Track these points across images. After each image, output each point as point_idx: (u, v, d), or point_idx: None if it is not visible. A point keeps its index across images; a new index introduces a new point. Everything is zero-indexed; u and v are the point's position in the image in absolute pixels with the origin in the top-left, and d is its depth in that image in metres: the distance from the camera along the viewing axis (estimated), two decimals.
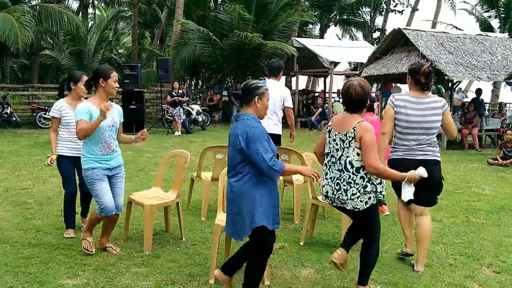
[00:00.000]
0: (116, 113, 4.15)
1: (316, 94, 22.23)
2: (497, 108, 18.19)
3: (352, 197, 3.27)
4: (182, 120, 14.20)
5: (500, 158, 10.06)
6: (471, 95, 18.10)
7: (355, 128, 3.26)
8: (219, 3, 23.03)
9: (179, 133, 13.94)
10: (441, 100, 4.00)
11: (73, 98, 4.66)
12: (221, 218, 3.93)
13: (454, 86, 15.59)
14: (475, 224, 5.50)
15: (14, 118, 15.23)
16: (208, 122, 16.90)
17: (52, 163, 4.62)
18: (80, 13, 25.85)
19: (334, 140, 3.39)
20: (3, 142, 11.42)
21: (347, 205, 3.33)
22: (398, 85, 17.59)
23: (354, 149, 3.27)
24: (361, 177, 3.27)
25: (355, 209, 3.30)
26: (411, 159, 3.87)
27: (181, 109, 14.22)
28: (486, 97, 19.29)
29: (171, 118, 14.38)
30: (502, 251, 4.59)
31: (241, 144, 3.06)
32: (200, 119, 15.40)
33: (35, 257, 4.10)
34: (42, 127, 14.88)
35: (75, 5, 26.70)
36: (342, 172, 3.31)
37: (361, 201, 3.27)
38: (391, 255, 4.38)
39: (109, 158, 4.05)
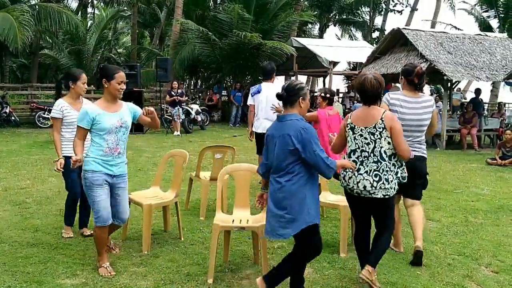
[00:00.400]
0: (126, 112, 3.81)
1: (315, 94, 22.23)
2: (496, 108, 18.21)
3: (391, 184, 3.42)
4: (181, 120, 14.21)
5: (499, 158, 10.07)
6: (470, 95, 18.11)
7: (382, 119, 3.40)
8: (218, 2, 23.00)
9: (178, 132, 13.94)
10: (431, 100, 4.25)
11: (72, 97, 4.50)
12: (219, 217, 3.93)
13: (453, 86, 15.59)
14: (473, 224, 5.50)
15: (13, 118, 15.22)
16: (207, 122, 16.91)
17: (62, 168, 4.33)
18: (79, 13, 25.84)
19: (361, 135, 3.47)
20: (2, 142, 11.41)
21: (377, 194, 3.41)
22: (398, 85, 17.62)
23: (385, 138, 3.41)
24: (393, 164, 3.45)
25: (386, 196, 3.43)
26: None
27: (180, 109, 14.22)
28: (485, 97, 19.29)
29: (170, 118, 14.38)
30: (500, 251, 4.60)
31: (295, 145, 3.10)
32: (199, 119, 15.41)
33: (34, 256, 4.09)
34: (41, 126, 14.86)
35: (74, 5, 26.73)
36: (379, 163, 3.42)
37: (391, 188, 3.43)
38: (389, 255, 4.37)
39: (113, 163, 3.72)
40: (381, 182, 3.39)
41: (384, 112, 3.42)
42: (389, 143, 3.41)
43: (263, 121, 6.41)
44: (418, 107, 4.10)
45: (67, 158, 4.27)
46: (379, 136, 3.40)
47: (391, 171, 3.42)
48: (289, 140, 3.11)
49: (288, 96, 3.22)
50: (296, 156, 3.12)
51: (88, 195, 3.73)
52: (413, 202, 4.29)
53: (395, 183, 3.44)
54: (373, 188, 3.40)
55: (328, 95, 5.72)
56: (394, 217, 3.64)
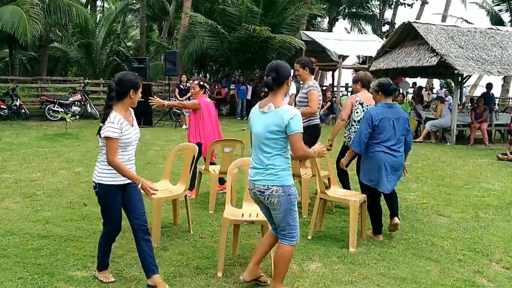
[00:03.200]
0: None
1: (324, 88, 22.13)
2: (508, 103, 17.97)
3: None
4: (189, 113, 14.21)
5: (510, 153, 9.96)
6: (480, 90, 17.90)
7: None
8: None
9: (187, 126, 13.95)
10: None
11: (125, 109, 3.39)
12: (229, 211, 3.93)
13: (464, 81, 15.43)
14: (484, 219, 5.46)
15: (23, 110, 15.34)
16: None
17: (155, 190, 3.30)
18: (89, 6, 25.89)
19: None
20: (13, 134, 11.50)
21: None
22: (407, 79, 17.48)
23: None
24: None
25: None
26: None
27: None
28: (496, 92, 19.07)
29: (179, 111, 14.39)
30: (511, 246, 4.56)
31: (408, 123, 4.55)
32: None
33: (45, 248, 4.13)
34: (51, 119, 14.97)
35: None
36: None
37: None
38: (399, 250, 4.36)
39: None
40: None
41: None
42: None
43: None
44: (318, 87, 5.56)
45: (112, 187, 3.34)
46: None
47: None
48: (406, 120, 4.53)
49: (395, 90, 4.60)
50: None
51: (291, 213, 3.20)
52: None
53: None
54: None
55: (205, 84, 6.17)
56: None
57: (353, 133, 5.28)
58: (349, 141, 5.30)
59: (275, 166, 3.16)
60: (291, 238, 3.25)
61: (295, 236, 3.26)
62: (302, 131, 3.12)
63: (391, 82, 4.59)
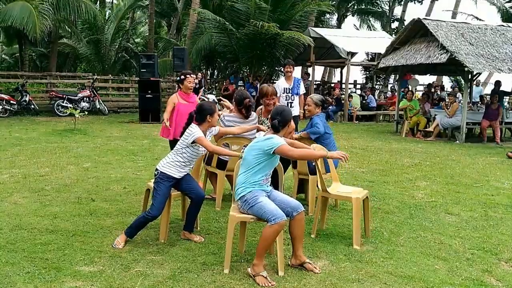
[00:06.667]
0: None
1: (332, 85, 22.05)
2: None
3: None
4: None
5: None
6: (490, 88, 17.70)
7: None
8: None
9: None
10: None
11: (204, 130, 4.26)
12: (235, 208, 3.92)
13: (474, 78, 15.27)
14: (493, 218, 5.40)
15: (32, 106, 15.47)
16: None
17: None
18: (98, 2, 25.98)
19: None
20: (22, 130, 11.59)
21: None
22: (416, 76, 17.35)
23: None
24: None
25: None
26: None
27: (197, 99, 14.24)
28: (506, 89, 18.83)
29: None
30: None
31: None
32: None
33: (52, 243, 4.15)
34: (60, 115, 15.07)
35: None
36: None
37: None
38: (406, 248, 4.33)
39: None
40: None
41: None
42: None
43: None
44: None
45: (169, 177, 4.14)
46: None
47: None
48: None
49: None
50: None
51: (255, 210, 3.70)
52: None
53: None
54: None
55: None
56: None
57: None
58: None
59: None
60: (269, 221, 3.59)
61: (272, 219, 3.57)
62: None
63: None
